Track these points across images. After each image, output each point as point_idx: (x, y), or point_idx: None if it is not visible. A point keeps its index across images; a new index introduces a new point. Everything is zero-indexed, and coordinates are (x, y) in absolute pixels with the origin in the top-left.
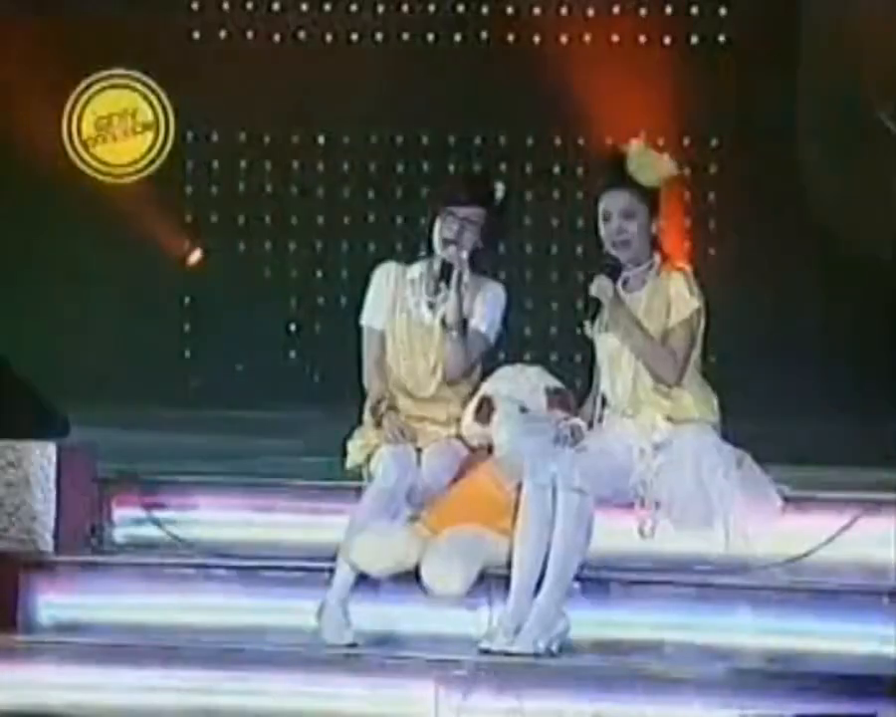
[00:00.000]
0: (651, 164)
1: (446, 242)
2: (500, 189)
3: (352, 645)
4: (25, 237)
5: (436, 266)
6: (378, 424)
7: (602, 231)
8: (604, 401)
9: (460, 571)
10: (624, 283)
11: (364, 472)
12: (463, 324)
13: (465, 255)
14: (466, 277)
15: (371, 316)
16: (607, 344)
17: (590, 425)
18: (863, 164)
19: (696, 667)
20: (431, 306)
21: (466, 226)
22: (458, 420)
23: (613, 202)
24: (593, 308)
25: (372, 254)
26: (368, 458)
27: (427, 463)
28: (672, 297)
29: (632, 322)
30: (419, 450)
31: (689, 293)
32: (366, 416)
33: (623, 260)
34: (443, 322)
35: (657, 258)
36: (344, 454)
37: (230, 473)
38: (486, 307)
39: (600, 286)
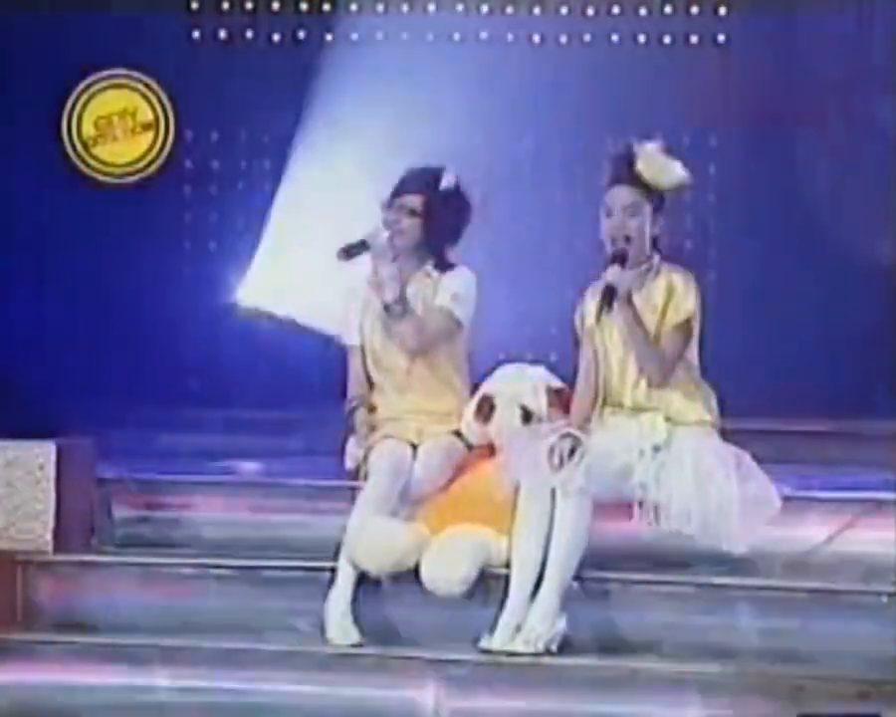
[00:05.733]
0: (661, 167)
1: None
2: (447, 178)
3: (358, 645)
4: (24, 236)
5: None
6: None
7: (603, 226)
8: (604, 398)
9: (460, 570)
10: None
11: (362, 469)
12: (402, 300)
13: (398, 241)
14: (435, 265)
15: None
16: (614, 338)
17: (588, 420)
18: (862, 163)
19: (696, 667)
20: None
21: (402, 214)
22: (460, 414)
23: (616, 197)
24: (608, 296)
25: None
26: (366, 456)
27: (421, 459)
28: (669, 298)
29: (635, 318)
30: (415, 447)
31: (686, 295)
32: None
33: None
34: (385, 305)
35: (656, 259)
36: (344, 453)
37: (230, 473)
38: (450, 282)
39: (617, 274)
